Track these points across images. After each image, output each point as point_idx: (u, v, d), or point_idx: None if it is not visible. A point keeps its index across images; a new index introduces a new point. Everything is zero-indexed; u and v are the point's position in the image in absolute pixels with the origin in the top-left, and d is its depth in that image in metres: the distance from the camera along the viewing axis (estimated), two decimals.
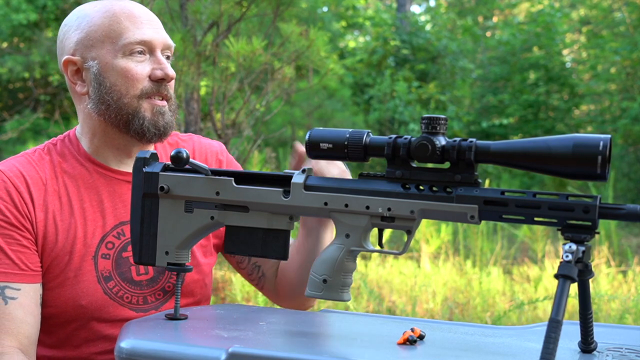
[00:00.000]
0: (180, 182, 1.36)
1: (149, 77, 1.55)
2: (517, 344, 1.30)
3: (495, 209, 1.16)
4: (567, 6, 15.43)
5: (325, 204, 1.27)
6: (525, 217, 1.14)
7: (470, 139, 1.18)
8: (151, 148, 1.65)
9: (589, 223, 1.10)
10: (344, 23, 15.74)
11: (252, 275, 1.74)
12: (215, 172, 1.35)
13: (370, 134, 1.25)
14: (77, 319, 1.54)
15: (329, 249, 1.29)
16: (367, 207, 1.24)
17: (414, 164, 1.24)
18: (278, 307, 1.78)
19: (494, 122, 12.13)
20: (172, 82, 1.61)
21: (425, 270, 5.31)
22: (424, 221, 6.09)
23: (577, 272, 1.07)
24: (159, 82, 1.56)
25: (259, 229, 1.33)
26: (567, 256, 1.07)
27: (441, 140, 1.19)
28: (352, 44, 15.61)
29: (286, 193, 1.29)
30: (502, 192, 1.16)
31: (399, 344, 1.25)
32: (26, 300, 1.49)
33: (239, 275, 4.14)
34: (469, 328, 1.44)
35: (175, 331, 1.33)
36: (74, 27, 1.57)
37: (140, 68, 1.54)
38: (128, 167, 1.61)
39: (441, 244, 5.87)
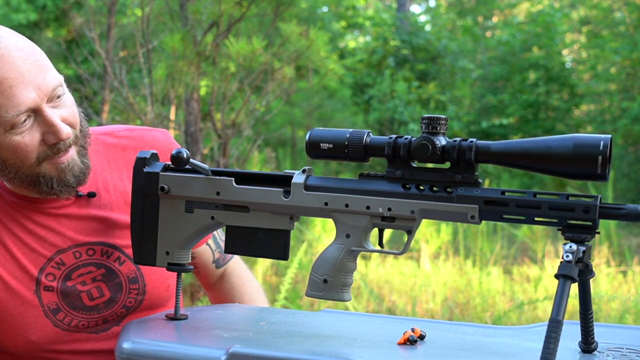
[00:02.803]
0: (180, 182, 1.36)
1: (44, 143, 1.40)
2: (517, 344, 1.30)
3: (495, 209, 1.16)
4: (567, 6, 15.43)
5: (326, 204, 1.27)
6: (526, 217, 1.14)
7: (470, 139, 1.18)
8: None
9: (590, 223, 1.10)
10: (344, 23, 15.74)
11: (199, 274, 1.76)
12: (216, 172, 1.35)
13: (370, 134, 1.24)
14: (32, 354, 1.49)
15: (330, 249, 1.29)
16: (368, 207, 1.24)
17: (415, 164, 1.24)
18: (278, 307, 1.78)
19: (494, 122, 12.13)
20: (73, 121, 1.44)
21: (425, 270, 5.31)
22: (424, 221, 6.03)
23: (577, 272, 1.07)
24: (54, 145, 1.41)
25: (259, 229, 1.33)
26: (567, 256, 1.07)
27: (441, 140, 1.19)
28: (352, 44, 15.62)
29: (287, 193, 1.29)
30: (503, 192, 1.16)
31: (399, 344, 1.25)
32: None
33: None
34: (469, 328, 1.44)
35: (176, 331, 1.33)
36: None
37: (29, 138, 1.37)
38: (52, 198, 1.50)
39: (441, 244, 5.87)
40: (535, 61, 12.09)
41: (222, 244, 1.69)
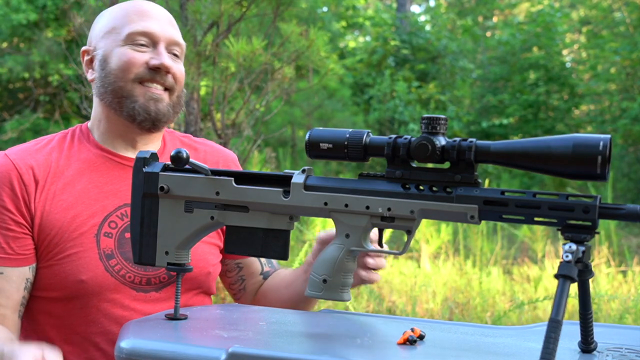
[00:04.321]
0: (180, 182, 1.36)
1: (147, 64, 1.61)
2: (517, 344, 1.30)
3: (495, 209, 1.16)
4: (567, 6, 15.43)
5: (325, 204, 1.27)
6: (525, 217, 1.14)
7: (470, 139, 1.18)
8: (153, 137, 1.69)
9: (589, 223, 1.10)
10: (344, 23, 15.74)
11: (234, 285, 1.78)
12: (215, 172, 1.35)
13: (370, 133, 1.24)
14: (78, 296, 1.56)
15: (329, 249, 1.28)
16: (367, 207, 1.24)
17: (414, 164, 1.24)
18: (278, 307, 1.79)
19: (494, 122, 12.14)
20: (179, 77, 1.66)
21: (425, 270, 5.31)
22: (424, 221, 6.04)
23: (577, 272, 1.07)
24: (155, 70, 1.61)
25: (259, 229, 1.33)
26: (567, 256, 1.07)
27: (441, 140, 1.19)
28: (352, 44, 15.62)
29: (286, 193, 1.29)
30: (502, 192, 1.16)
31: (399, 344, 1.25)
32: (5, 284, 1.54)
33: None
34: (468, 328, 1.44)
35: (175, 331, 1.33)
36: (93, 24, 1.70)
37: (139, 55, 1.61)
38: (134, 155, 1.64)
39: (441, 244, 5.87)
40: (535, 61, 12.09)
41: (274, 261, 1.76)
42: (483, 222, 1.24)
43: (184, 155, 1.32)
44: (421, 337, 1.28)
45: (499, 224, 6.31)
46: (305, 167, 1.30)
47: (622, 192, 9.93)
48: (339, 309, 1.60)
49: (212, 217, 1.35)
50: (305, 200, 1.28)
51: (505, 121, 11.95)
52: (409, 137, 1.22)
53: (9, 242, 1.55)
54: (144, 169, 1.38)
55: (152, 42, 1.63)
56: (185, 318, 1.40)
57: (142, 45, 1.62)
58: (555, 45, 12.50)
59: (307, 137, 1.26)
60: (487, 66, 13.73)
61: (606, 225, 6.05)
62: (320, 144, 1.25)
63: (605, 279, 4.91)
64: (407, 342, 1.25)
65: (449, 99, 12.97)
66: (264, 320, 1.41)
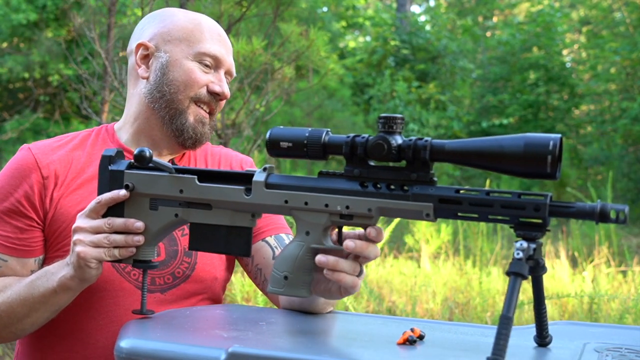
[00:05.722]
0: (144, 180, 1.37)
1: (207, 87, 1.64)
2: (517, 344, 1.30)
3: (450, 207, 1.17)
4: (567, 6, 15.44)
5: (286, 201, 1.28)
6: (479, 215, 1.15)
7: (425, 138, 1.19)
8: (183, 152, 1.71)
9: (540, 221, 1.11)
10: (344, 23, 15.75)
11: (257, 278, 1.75)
12: (179, 170, 1.36)
13: (329, 132, 1.26)
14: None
15: (290, 246, 1.30)
16: (326, 205, 1.26)
17: (372, 163, 1.25)
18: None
19: (494, 122, 12.15)
20: (222, 103, 1.69)
21: (425, 270, 5.32)
22: (423, 222, 6.08)
23: (527, 269, 1.08)
24: (213, 95, 1.64)
25: (222, 227, 1.34)
26: (518, 254, 1.09)
27: (397, 140, 1.20)
28: (352, 44, 15.62)
29: (248, 191, 1.31)
30: (457, 191, 1.17)
31: (399, 344, 1.25)
32: (9, 273, 1.56)
33: (239, 275, 4.14)
34: (468, 328, 1.44)
35: (175, 331, 1.33)
36: (158, 20, 1.68)
37: (201, 75, 1.63)
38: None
39: (441, 244, 5.87)
40: (535, 61, 12.10)
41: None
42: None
43: (147, 154, 1.33)
44: (421, 337, 1.28)
45: (499, 224, 6.30)
46: (267, 165, 1.32)
47: (622, 192, 9.93)
48: (338, 309, 1.60)
49: (176, 215, 1.36)
50: (266, 198, 1.29)
51: (505, 121, 11.96)
52: (366, 136, 1.23)
53: (17, 233, 1.57)
54: (109, 167, 1.40)
55: (216, 66, 1.65)
56: (152, 313, 1.41)
57: (207, 66, 1.64)
58: (555, 45, 12.51)
59: (267, 135, 1.27)
60: (487, 66, 13.74)
61: (606, 226, 6.05)
62: (281, 143, 1.26)
63: (605, 279, 4.91)
64: (407, 342, 1.25)
65: (449, 99, 12.98)
66: (264, 320, 1.41)
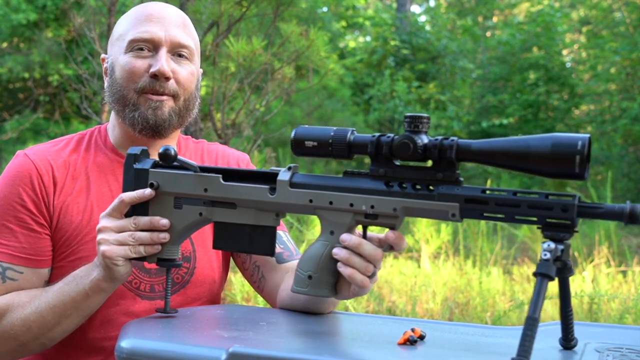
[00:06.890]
0: (169, 178, 1.37)
1: (148, 71, 1.58)
2: (517, 344, 1.30)
3: (476, 207, 1.17)
4: (567, 6, 15.43)
5: (310, 201, 1.28)
6: (506, 215, 1.15)
7: (452, 138, 1.19)
8: (163, 143, 1.66)
9: (568, 222, 1.10)
10: (344, 23, 15.74)
11: (253, 276, 1.73)
12: (204, 169, 1.36)
13: (354, 131, 1.26)
14: None
15: (314, 246, 1.29)
16: (351, 205, 1.25)
17: (398, 162, 1.24)
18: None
19: (494, 122, 12.13)
20: (183, 81, 1.61)
21: (425, 270, 5.31)
22: (423, 221, 6.09)
23: (555, 270, 1.07)
24: (154, 77, 1.58)
25: (246, 225, 1.34)
26: (545, 254, 1.08)
27: (423, 139, 1.20)
28: (352, 44, 15.61)
29: (272, 190, 1.30)
30: (483, 191, 1.17)
31: (399, 344, 1.25)
32: (26, 285, 1.54)
33: (239, 275, 4.14)
34: (469, 328, 1.44)
35: (175, 331, 1.33)
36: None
37: (140, 63, 1.58)
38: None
39: (441, 244, 5.86)
40: (535, 61, 12.09)
41: (290, 245, 1.70)
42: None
43: (172, 152, 1.33)
44: (421, 337, 1.28)
45: (499, 224, 6.31)
46: (291, 165, 1.32)
47: (622, 192, 9.92)
48: (338, 309, 1.60)
49: (200, 214, 1.36)
50: (290, 197, 1.29)
51: (505, 121, 11.95)
52: (392, 135, 1.23)
53: (31, 243, 1.54)
54: (134, 166, 1.39)
55: (154, 47, 1.59)
56: (176, 312, 1.41)
57: (142, 50, 1.59)
58: (555, 45, 12.50)
59: (292, 134, 1.27)
60: (487, 66, 13.73)
61: (606, 226, 6.04)
62: (306, 142, 1.26)
63: (605, 279, 4.90)
64: (408, 342, 1.25)
65: (449, 99, 12.97)
66: (264, 320, 1.41)
